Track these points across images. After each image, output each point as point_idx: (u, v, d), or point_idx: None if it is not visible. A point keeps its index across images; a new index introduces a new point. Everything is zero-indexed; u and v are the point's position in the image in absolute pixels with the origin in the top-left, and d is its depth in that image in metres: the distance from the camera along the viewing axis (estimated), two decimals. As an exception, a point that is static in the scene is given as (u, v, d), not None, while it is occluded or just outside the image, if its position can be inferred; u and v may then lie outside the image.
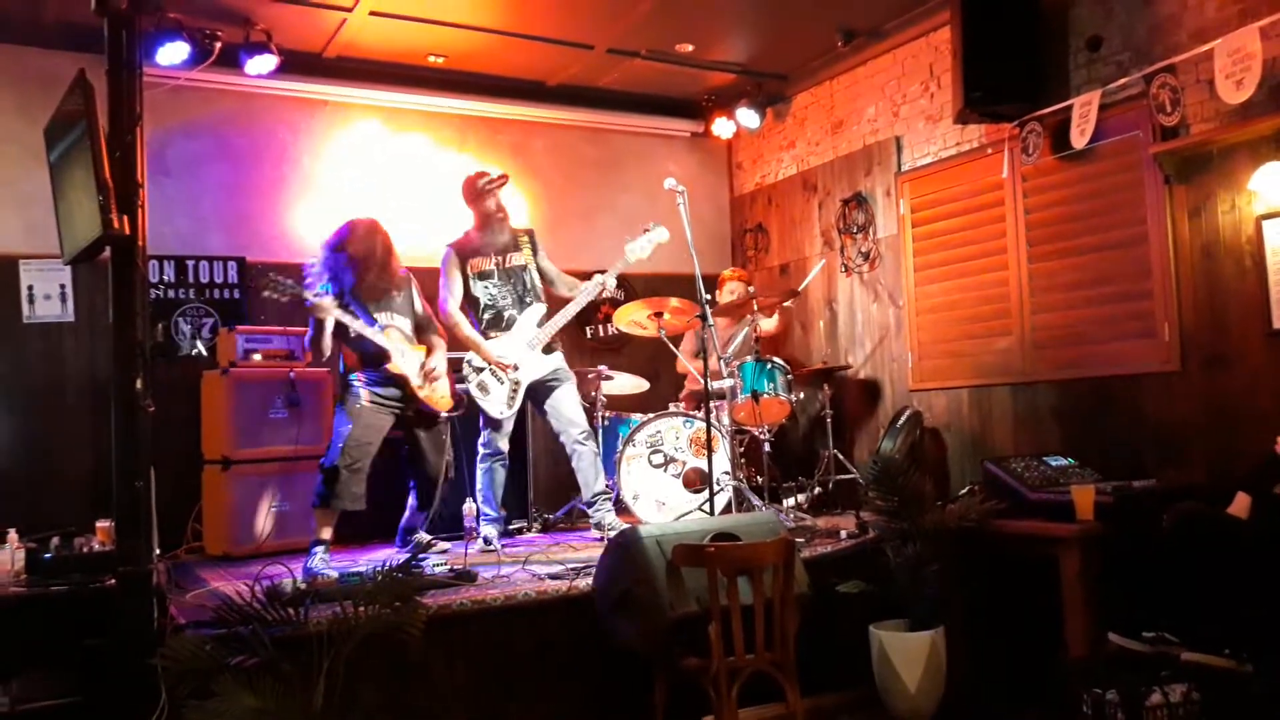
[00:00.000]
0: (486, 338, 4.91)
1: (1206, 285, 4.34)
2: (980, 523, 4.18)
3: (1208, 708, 3.28)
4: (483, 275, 4.96)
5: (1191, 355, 4.38)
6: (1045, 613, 4.03)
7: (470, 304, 4.98)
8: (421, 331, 4.93)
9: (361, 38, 5.70)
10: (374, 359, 4.65)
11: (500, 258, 4.98)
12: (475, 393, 4.88)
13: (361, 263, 4.70)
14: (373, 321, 4.67)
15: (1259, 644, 3.34)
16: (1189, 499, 3.79)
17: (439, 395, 4.81)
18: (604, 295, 5.14)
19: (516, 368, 4.87)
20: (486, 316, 4.95)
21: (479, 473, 5.01)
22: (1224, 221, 4.27)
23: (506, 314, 4.95)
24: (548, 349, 4.96)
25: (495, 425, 4.92)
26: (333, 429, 4.68)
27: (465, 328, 4.93)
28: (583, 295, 4.98)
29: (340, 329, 4.61)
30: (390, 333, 4.70)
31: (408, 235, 5.32)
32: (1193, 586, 3.55)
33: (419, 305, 4.97)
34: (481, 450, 4.99)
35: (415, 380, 4.70)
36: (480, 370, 4.89)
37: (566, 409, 4.92)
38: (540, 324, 4.95)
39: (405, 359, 4.69)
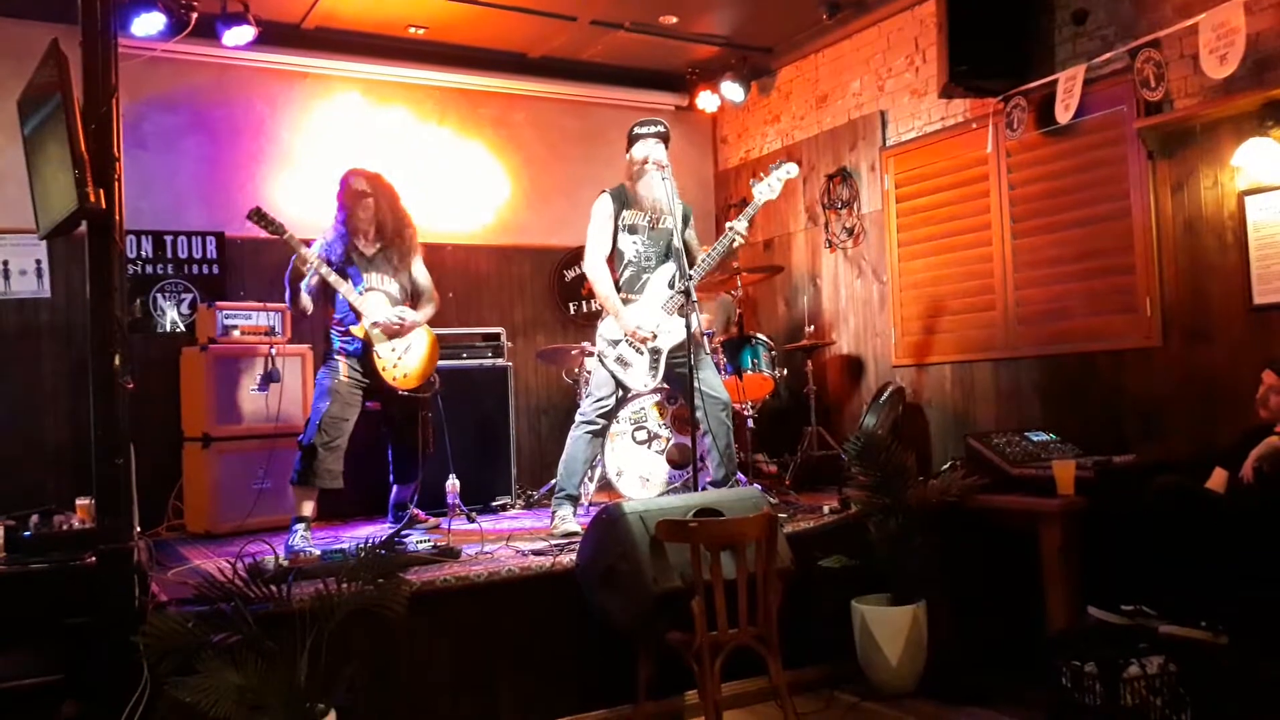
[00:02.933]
0: (622, 300, 4.59)
1: (1188, 260, 4.35)
2: (962, 498, 4.21)
3: (1184, 679, 3.32)
4: (633, 229, 4.64)
5: (1173, 330, 4.41)
6: (1026, 586, 4.06)
7: (614, 258, 4.66)
8: (415, 300, 4.86)
9: (341, 8, 5.62)
10: (350, 320, 4.59)
11: (653, 215, 4.65)
12: (614, 368, 4.57)
13: (361, 212, 4.62)
14: (360, 280, 4.61)
15: (1234, 617, 3.38)
16: (1169, 474, 3.82)
17: (401, 373, 4.68)
18: (737, 245, 4.66)
19: (655, 336, 4.54)
20: (626, 274, 4.63)
21: (569, 440, 4.68)
22: (1206, 197, 4.28)
23: (645, 277, 4.62)
24: (681, 311, 4.45)
25: (611, 398, 4.60)
26: (311, 404, 4.65)
27: (605, 285, 4.59)
28: (715, 250, 4.61)
29: (323, 285, 4.55)
30: (371, 295, 4.62)
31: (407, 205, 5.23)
32: (1171, 560, 3.59)
33: (419, 272, 4.88)
34: (578, 418, 4.68)
35: (382, 353, 4.60)
36: (616, 343, 4.58)
37: (706, 381, 4.51)
38: (671, 283, 4.55)
39: (378, 325, 4.59)
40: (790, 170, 4.74)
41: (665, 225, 4.67)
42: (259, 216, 4.48)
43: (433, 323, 5.00)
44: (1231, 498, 3.57)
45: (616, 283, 4.65)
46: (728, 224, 4.63)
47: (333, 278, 4.51)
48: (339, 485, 4.54)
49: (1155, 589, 3.65)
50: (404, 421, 4.85)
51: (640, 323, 4.56)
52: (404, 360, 4.69)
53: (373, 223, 4.67)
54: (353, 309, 4.57)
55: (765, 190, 4.68)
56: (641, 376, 4.58)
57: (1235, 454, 3.62)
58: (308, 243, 4.66)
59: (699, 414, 4.32)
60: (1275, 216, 4.02)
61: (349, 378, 4.57)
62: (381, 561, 3.15)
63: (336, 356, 4.61)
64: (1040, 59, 4.90)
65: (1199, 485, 3.69)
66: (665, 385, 4.95)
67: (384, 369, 4.62)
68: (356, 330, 4.56)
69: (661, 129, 4.69)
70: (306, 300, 4.59)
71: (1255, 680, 3.25)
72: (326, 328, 4.75)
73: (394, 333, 4.64)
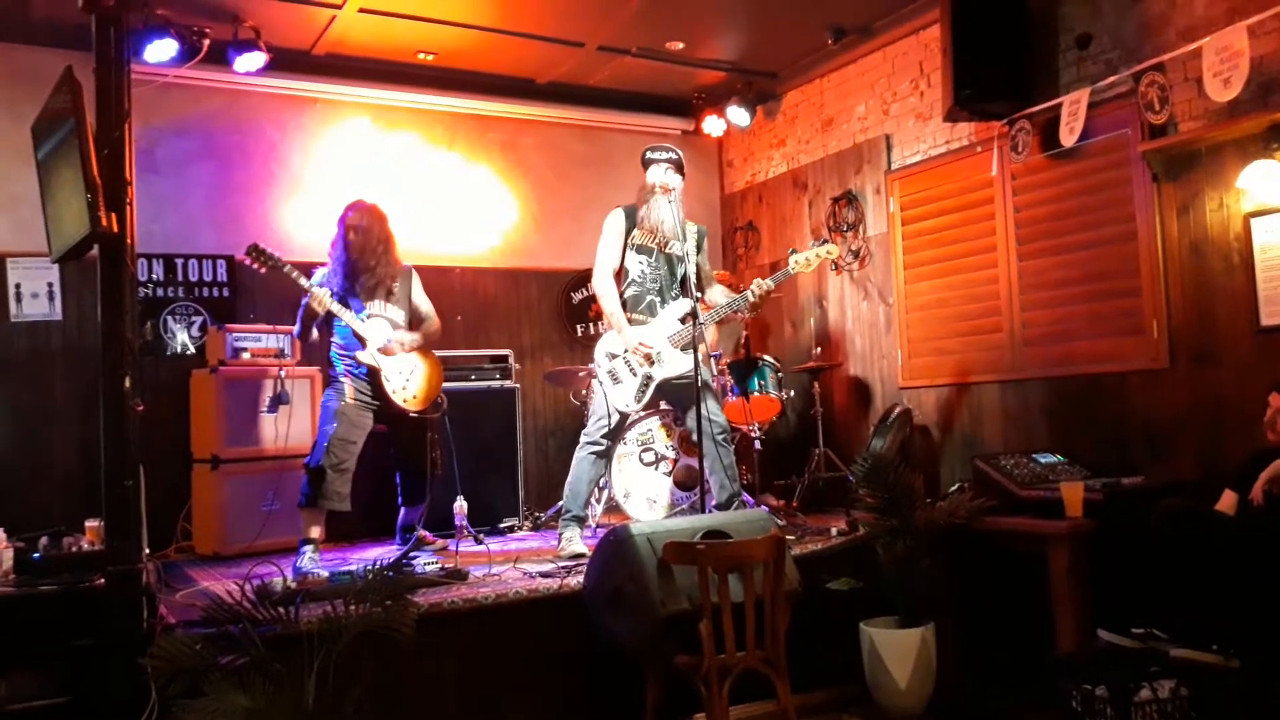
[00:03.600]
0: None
1: (1195, 282, 4.35)
2: (970, 520, 4.19)
3: (1195, 703, 3.30)
4: (640, 249, 4.69)
5: (1180, 352, 4.40)
6: (1035, 609, 4.04)
7: (620, 275, 4.70)
8: (415, 325, 4.90)
9: (351, 35, 5.68)
10: (353, 346, 4.64)
11: (660, 238, 4.68)
12: (604, 380, 4.61)
13: (357, 240, 4.67)
14: (361, 308, 4.66)
15: (1245, 640, 3.36)
16: (1177, 496, 3.81)
17: (410, 394, 4.72)
18: (756, 301, 4.66)
19: (653, 361, 4.57)
20: (630, 292, 4.68)
21: (574, 461, 4.70)
22: (1212, 219, 4.29)
23: (648, 298, 4.67)
24: (686, 347, 4.57)
25: (609, 418, 4.62)
26: (318, 427, 4.67)
27: (612, 300, 4.63)
28: (736, 301, 4.67)
29: (326, 315, 4.60)
30: (374, 321, 4.67)
31: (396, 234, 5.27)
32: (1181, 583, 3.57)
33: (419, 299, 4.95)
34: (582, 438, 4.71)
35: (388, 375, 4.64)
36: (614, 357, 4.62)
37: (707, 408, 4.45)
38: (684, 320, 4.60)
39: (383, 350, 4.64)
40: (831, 250, 4.79)
41: (673, 249, 4.70)
42: (257, 253, 4.52)
43: (440, 344, 5.02)
44: (1242, 520, 3.55)
45: (621, 300, 4.69)
46: (756, 280, 4.66)
47: (336, 308, 4.56)
48: (346, 508, 4.56)
49: (1166, 612, 3.63)
50: (412, 444, 4.86)
51: (641, 342, 4.59)
52: (410, 383, 4.73)
53: (369, 255, 4.71)
54: (356, 336, 4.61)
55: (802, 263, 4.72)
56: (626, 397, 4.60)
57: (1244, 476, 3.61)
58: (313, 267, 4.71)
59: (697, 440, 4.35)
60: (1281, 238, 4.02)
61: (356, 399, 4.60)
62: (389, 583, 3.15)
63: (342, 379, 4.64)
64: (1045, 82, 4.93)
65: (1209, 507, 3.67)
66: (668, 408, 4.97)
67: (394, 392, 4.65)
68: (363, 356, 4.60)
69: (673, 155, 4.74)
70: (314, 333, 4.68)
71: (1267, 704, 3.22)
72: (327, 351, 4.78)
73: (394, 353, 4.68)
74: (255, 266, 4.53)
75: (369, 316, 4.67)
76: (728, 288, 5.17)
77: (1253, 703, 3.25)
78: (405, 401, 4.70)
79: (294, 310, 4.70)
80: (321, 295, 4.51)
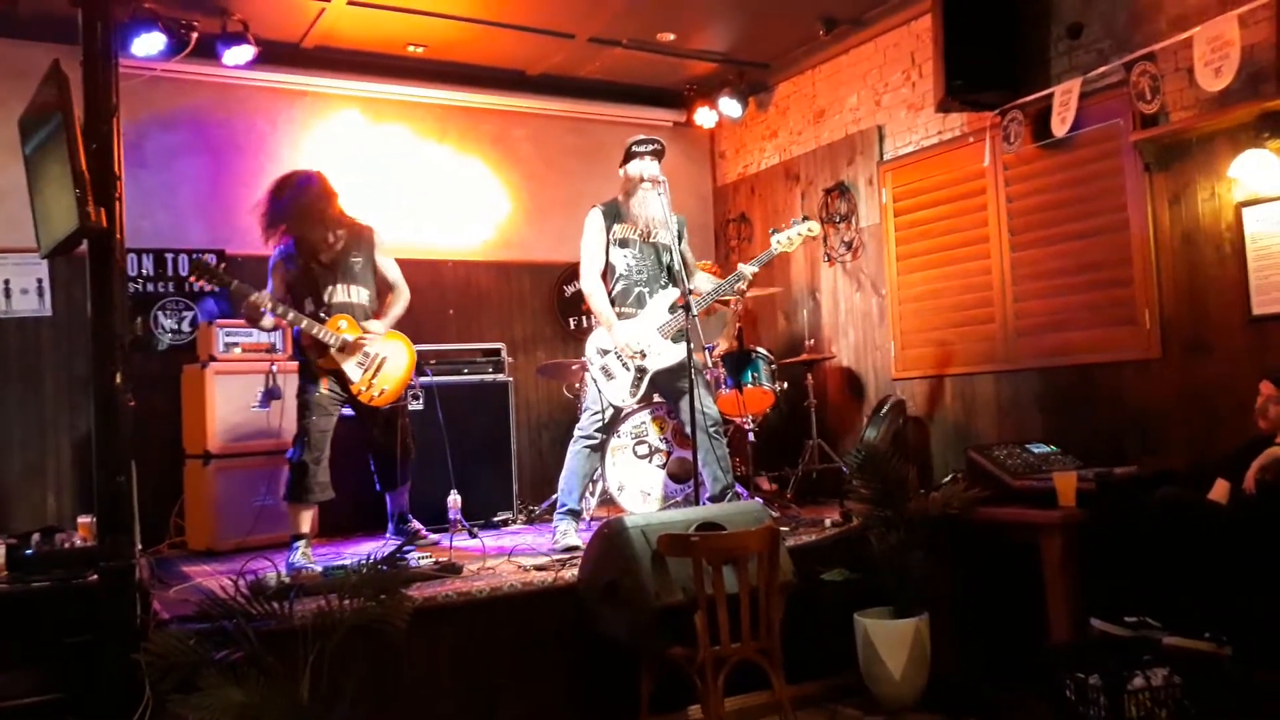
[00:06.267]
0: (615, 314, 4.66)
1: (1187, 272, 4.36)
2: (963, 510, 4.20)
3: (1188, 691, 3.32)
4: (623, 243, 4.70)
5: (1172, 342, 4.41)
6: (1028, 598, 4.06)
7: (606, 272, 4.72)
8: (382, 295, 4.72)
9: (340, 28, 5.65)
10: (315, 348, 4.47)
11: (644, 229, 4.70)
12: (598, 377, 4.64)
13: (293, 213, 4.43)
14: (320, 304, 4.48)
15: (1238, 627, 3.37)
16: (1170, 485, 3.82)
17: (377, 391, 4.55)
18: (740, 286, 4.71)
19: (644, 355, 4.59)
20: (618, 288, 4.69)
21: (568, 455, 4.74)
22: (1204, 209, 4.30)
23: (637, 290, 4.69)
24: (676, 336, 4.56)
25: (603, 412, 4.66)
26: (296, 419, 4.54)
27: (600, 299, 4.66)
28: (723, 286, 4.70)
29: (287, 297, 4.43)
30: (337, 321, 4.47)
31: (387, 226, 5.14)
32: (1174, 572, 3.58)
33: (384, 264, 4.76)
34: (576, 432, 4.74)
35: (353, 377, 4.49)
36: (605, 353, 4.65)
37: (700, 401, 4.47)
38: (672, 309, 4.62)
39: (345, 351, 4.46)
40: (812, 229, 4.79)
41: (658, 239, 4.72)
42: (202, 269, 4.31)
43: (434, 338, 4.99)
44: (1234, 508, 3.57)
45: (609, 296, 4.70)
46: (740, 265, 4.68)
47: (290, 316, 4.37)
48: (330, 496, 4.52)
49: (1159, 600, 3.64)
50: (383, 429, 4.74)
51: (630, 340, 4.60)
52: (378, 379, 4.57)
53: (326, 226, 4.49)
54: (318, 340, 4.42)
55: (784, 242, 4.74)
56: (621, 392, 4.63)
57: (1236, 465, 3.62)
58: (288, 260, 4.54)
59: (690, 432, 4.34)
60: (1272, 228, 4.03)
61: (329, 390, 4.51)
62: (383, 577, 3.15)
63: (314, 372, 4.55)
64: (1036, 73, 4.93)
65: (1200, 497, 3.69)
66: (661, 400, 4.98)
67: (359, 391, 4.52)
68: (325, 363, 4.44)
69: (657, 146, 4.74)
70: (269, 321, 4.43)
71: (1259, 692, 3.24)
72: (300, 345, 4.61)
73: (358, 351, 4.50)
74: (204, 281, 4.34)
75: (330, 310, 4.48)
76: (709, 276, 5.15)
77: (1245, 690, 3.27)
78: (374, 399, 4.55)
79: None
80: (260, 299, 4.26)
